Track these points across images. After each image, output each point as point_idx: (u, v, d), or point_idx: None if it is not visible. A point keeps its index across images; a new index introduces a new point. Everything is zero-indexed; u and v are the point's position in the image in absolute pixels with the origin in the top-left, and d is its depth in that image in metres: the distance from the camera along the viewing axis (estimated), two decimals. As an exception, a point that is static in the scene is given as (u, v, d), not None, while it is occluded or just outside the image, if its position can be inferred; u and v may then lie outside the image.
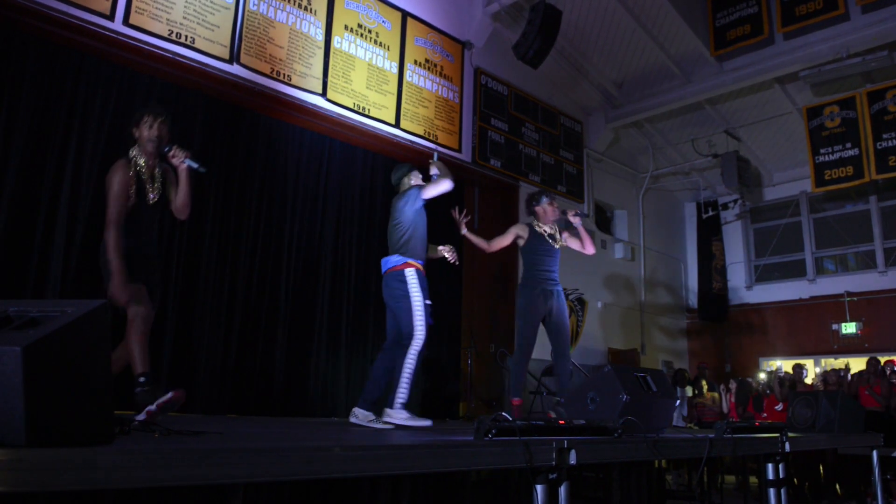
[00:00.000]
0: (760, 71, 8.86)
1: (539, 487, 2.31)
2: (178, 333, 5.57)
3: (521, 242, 4.88)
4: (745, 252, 11.80)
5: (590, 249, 4.95)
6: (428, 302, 3.94)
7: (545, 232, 4.86)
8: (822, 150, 9.19)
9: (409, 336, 3.82)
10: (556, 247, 4.88)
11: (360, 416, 3.84)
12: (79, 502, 1.94)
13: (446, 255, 4.32)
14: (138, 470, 1.46)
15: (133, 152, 3.35)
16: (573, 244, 4.97)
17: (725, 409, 7.87)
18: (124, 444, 1.61)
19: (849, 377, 7.82)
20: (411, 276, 3.92)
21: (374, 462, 1.93)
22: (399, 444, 2.06)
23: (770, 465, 3.73)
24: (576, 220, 4.82)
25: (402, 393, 3.73)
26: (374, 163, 7.42)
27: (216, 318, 5.82)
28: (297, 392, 6.32)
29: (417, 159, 7.66)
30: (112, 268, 3.07)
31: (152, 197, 3.31)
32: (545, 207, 4.89)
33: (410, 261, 3.98)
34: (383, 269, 4.11)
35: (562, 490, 2.36)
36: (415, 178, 4.30)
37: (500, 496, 3.56)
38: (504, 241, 4.85)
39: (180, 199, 3.39)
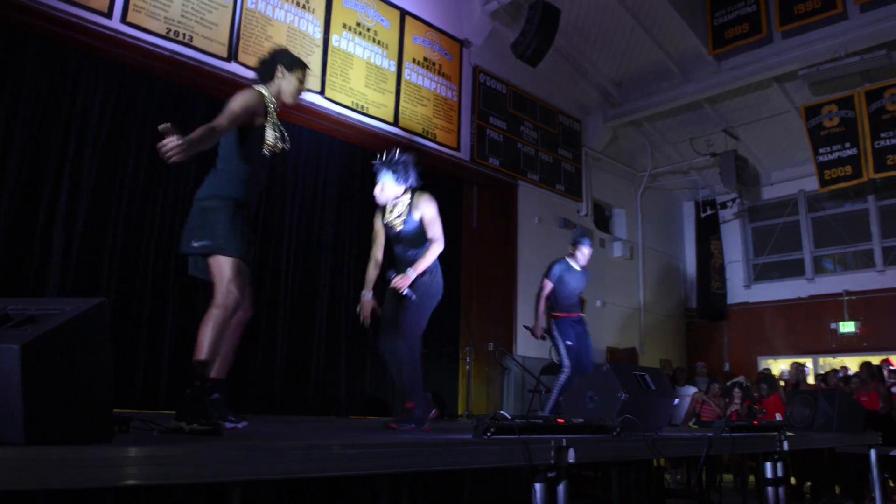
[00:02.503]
0: (759, 70, 8.86)
1: (538, 486, 2.31)
2: (178, 333, 5.56)
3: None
4: (744, 251, 11.79)
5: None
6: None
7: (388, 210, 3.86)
8: (821, 150, 9.18)
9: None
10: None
11: None
12: (79, 501, 1.94)
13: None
14: (137, 469, 1.46)
15: (265, 90, 2.80)
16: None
17: (726, 413, 7.82)
18: (124, 442, 1.61)
19: (846, 373, 7.78)
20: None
21: (373, 460, 1.93)
22: (398, 443, 2.06)
23: (768, 464, 3.74)
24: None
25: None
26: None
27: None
28: (297, 391, 6.32)
29: (417, 159, 7.66)
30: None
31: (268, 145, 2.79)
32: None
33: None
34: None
35: (560, 488, 2.36)
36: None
37: (500, 495, 3.57)
38: None
39: None
